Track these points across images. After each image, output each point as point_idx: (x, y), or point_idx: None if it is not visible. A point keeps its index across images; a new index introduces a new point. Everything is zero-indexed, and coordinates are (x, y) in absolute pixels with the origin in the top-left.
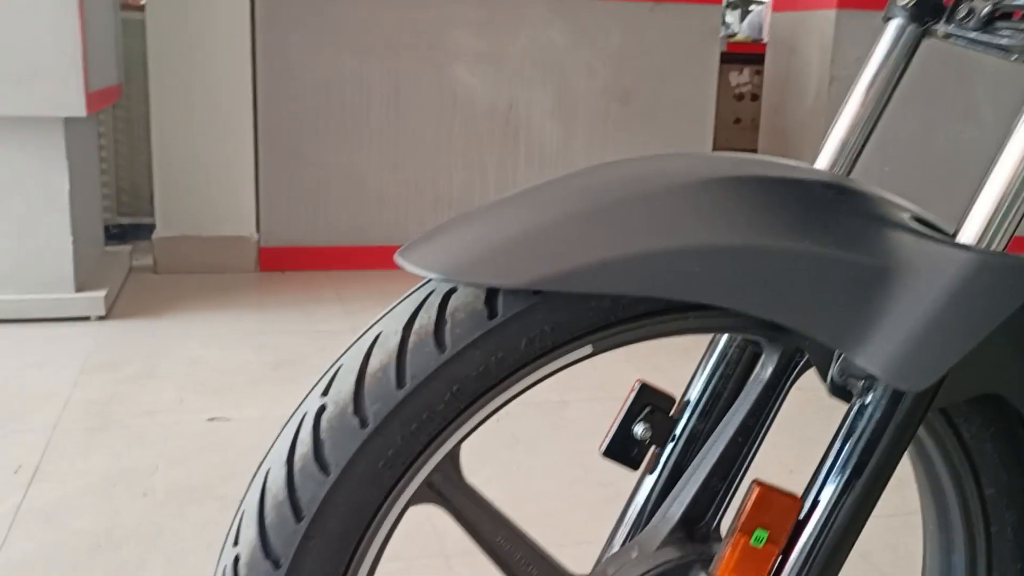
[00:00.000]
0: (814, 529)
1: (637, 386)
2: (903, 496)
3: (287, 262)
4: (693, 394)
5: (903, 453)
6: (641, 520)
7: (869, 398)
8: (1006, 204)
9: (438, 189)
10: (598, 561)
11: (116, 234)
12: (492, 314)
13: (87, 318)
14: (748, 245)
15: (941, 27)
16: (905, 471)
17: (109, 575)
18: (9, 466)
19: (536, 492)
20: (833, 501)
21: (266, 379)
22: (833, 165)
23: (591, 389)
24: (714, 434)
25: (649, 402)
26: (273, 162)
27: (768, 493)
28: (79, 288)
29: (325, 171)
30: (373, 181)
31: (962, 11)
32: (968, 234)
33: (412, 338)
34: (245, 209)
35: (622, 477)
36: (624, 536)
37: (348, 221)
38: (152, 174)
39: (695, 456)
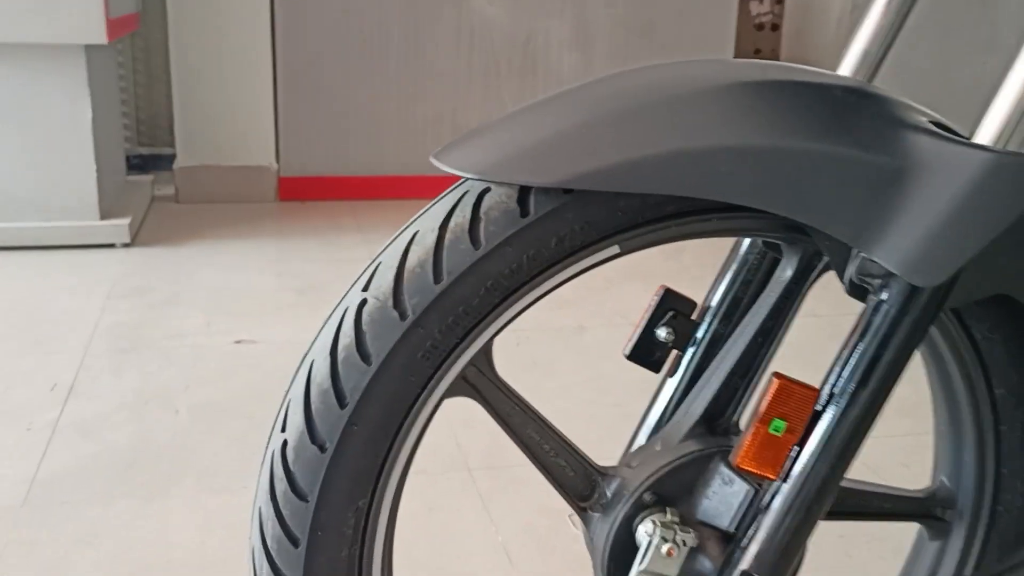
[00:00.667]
0: (831, 420)
1: (661, 291)
2: (916, 418)
3: (306, 192)
4: (714, 299)
5: (916, 348)
6: (663, 420)
7: (885, 295)
8: (1023, 106)
9: (456, 120)
10: (622, 457)
11: (137, 164)
12: (524, 213)
13: (112, 245)
14: (771, 146)
15: None
16: (920, 391)
17: (145, 485)
18: (45, 384)
19: (554, 411)
20: (850, 393)
21: (290, 304)
22: (855, 73)
23: (608, 315)
24: (735, 334)
25: (672, 307)
26: (292, 92)
27: (787, 385)
28: (103, 216)
29: (344, 101)
30: (392, 112)
31: None
32: (985, 135)
33: (448, 236)
34: (264, 139)
35: (635, 399)
36: (647, 435)
37: (367, 152)
38: (172, 104)
39: (716, 358)
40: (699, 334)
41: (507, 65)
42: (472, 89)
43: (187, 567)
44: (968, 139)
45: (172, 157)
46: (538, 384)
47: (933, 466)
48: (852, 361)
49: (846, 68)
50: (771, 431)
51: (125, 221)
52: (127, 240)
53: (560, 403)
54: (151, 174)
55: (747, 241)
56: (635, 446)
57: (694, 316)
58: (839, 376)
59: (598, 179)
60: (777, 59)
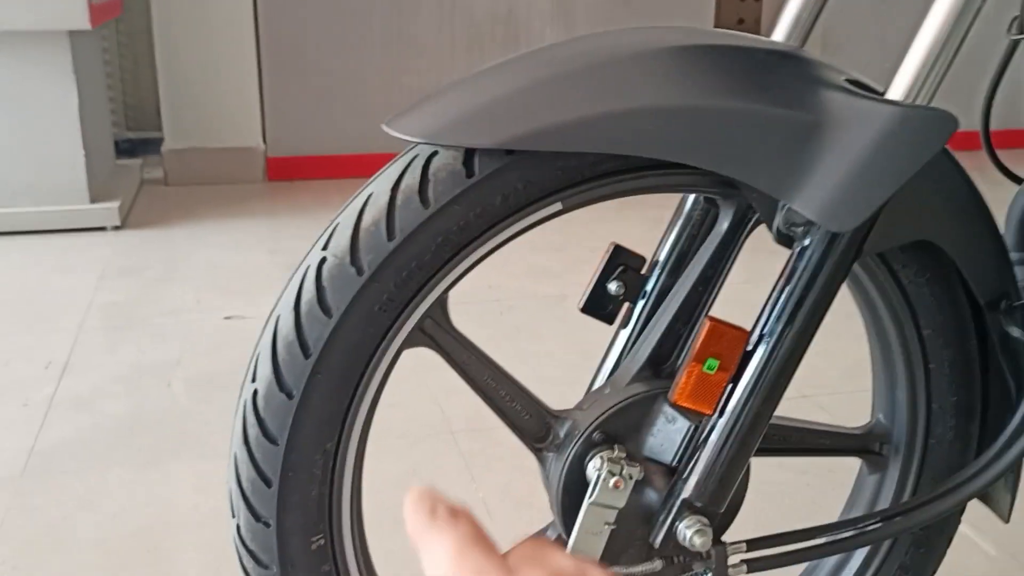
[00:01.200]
0: (761, 358)
1: (611, 247)
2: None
3: (294, 171)
4: (662, 254)
5: (837, 290)
6: (616, 367)
7: (808, 241)
8: (931, 61)
9: None
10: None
11: (126, 149)
12: (470, 173)
13: (103, 228)
14: (697, 105)
15: None
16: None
17: (142, 451)
18: (41, 362)
19: (538, 376)
20: (778, 333)
21: (280, 280)
22: (788, 38)
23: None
24: (677, 284)
25: (622, 262)
26: (277, 72)
27: (718, 326)
28: (93, 199)
29: (330, 80)
30: (378, 89)
31: None
32: (897, 90)
33: (399, 196)
34: (251, 120)
35: None
36: (602, 382)
37: (354, 129)
38: (158, 88)
39: (661, 307)
40: (648, 287)
41: (490, 38)
42: (456, 63)
43: (184, 526)
44: (881, 94)
45: (160, 140)
46: (522, 350)
47: (872, 406)
48: (779, 303)
49: (779, 34)
50: (705, 369)
51: (115, 204)
52: (117, 223)
53: (545, 369)
54: (140, 158)
55: (691, 198)
56: (596, 380)
57: (643, 270)
58: (768, 317)
59: (536, 139)
60: (759, 28)
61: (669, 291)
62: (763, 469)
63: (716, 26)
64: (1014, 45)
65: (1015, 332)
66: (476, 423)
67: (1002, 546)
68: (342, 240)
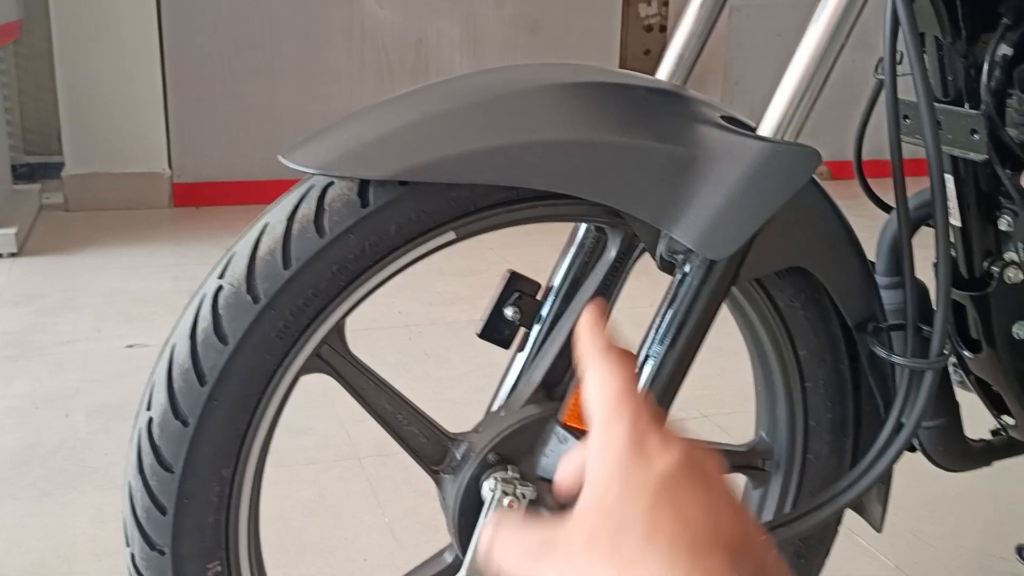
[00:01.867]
0: (646, 380)
1: (507, 274)
2: None
3: (201, 197)
4: (556, 280)
5: (716, 314)
6: (513, 392)
7: (688, 268)
8: (797, 99)
9: None
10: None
11: (24, 173)
12: (365, 203)
13: None
14: (583, 139)
15: None
16: None
17: (37, 484)
18: None
19: (446, 400)
20: (661, 355)
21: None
22: (671, 76)
23: None
24: (569, 309)
25: (518, 288)
26: (183, 96)
27: None
28: None
29: (237, 104)
30: (287, 114)
31: None
32: (767, 127)
33: (295, 226)
34: (156, 144)
35: None
36: (504, 396)
37: (262, 155)
38: (58, 111)
39: (554, 332)
40: (543, 312)
41: (400, 65)
42: (366, 89)
43: (80, 558)
44: (753, 130)
45: (61, 165)
46: (430, 375)
47: (755, 422)
48: (663, 327)
49: (663, 72)
50: None
51: (11, 231)
52: (14, 250)
53: (452, 392)
54: (39, 183)
55: (582, 227)
56: (494, 403)
57: (538, 296)
58: (652, 340)
59: (428, 171)
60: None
61: (562, 316)
62: None
63: (623, 55)
64: (880, 83)
65: (881, 352)
66: (383, 448)
67: (888, 555)
68: (238, 269)
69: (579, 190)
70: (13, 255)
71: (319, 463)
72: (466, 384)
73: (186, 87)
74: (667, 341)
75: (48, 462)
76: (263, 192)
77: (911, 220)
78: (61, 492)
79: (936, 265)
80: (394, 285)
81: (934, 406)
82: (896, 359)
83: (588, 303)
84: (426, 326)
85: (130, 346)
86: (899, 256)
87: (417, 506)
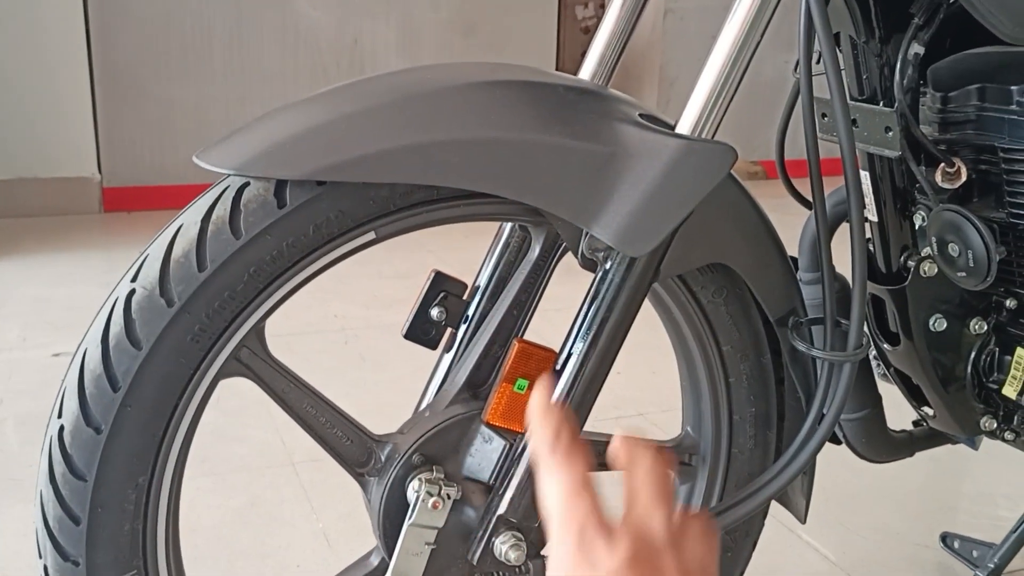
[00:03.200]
0: (568, 376)
1: (432, 274)
2: None
3: (133, 202)
4: (483, 279)
5: (638, 310)
6: (439, 393)
7: (609, 265)
8: (713, 97)
9: None
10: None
11: None
12: (281, 204)
13: None
14: (501, 137)
15: None
16: None
17: None
18: None
19: (380, 403)
20: (583, 352)
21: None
22: (594, 75)
23: None
24: (494, 308)
25: (443, 288)
26: (112, 99)
27: (527, 347)
28: None
29: (168, 108)
30: (219, 117)
31: None
32: (685, 125)
33: (211, 227)
34: (85, 148)
35: None
36: (430, 396)
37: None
38: None
39: (478, 331)
40: (469, 312)
41: (335, 67)
42: (300, 91)
43: (5, 572)
44: (672, 128)
45: None
46: (365, 379)
47: (681, 418)
48: (584, 324)
49: (586, 71)
50: (515, 389)
51: None
52: None
53: (388, 396)
54: None
55: (508, 226)
56: (421, 404)
57: (464, 296)
58: (574, 338)
59: (345, 170)
60: None
61: (488, 315)
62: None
63: (560, 58)
64: (799, 83)
65: (801, 346)
66: (316, 453)
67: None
68: (151, 271)
69: (498, 188)
70: None
71: (252, 470)
72: (403, 387)
73: (115, 90)
74: (589, 338)
75: None
76: (194, 197)
77: (831, 216)
78: None
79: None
80: (330, 288)
81: (857, 399)
82: (815, 352)
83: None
84: (362, 329)
85: (56, 355)
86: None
87: (351, 511)
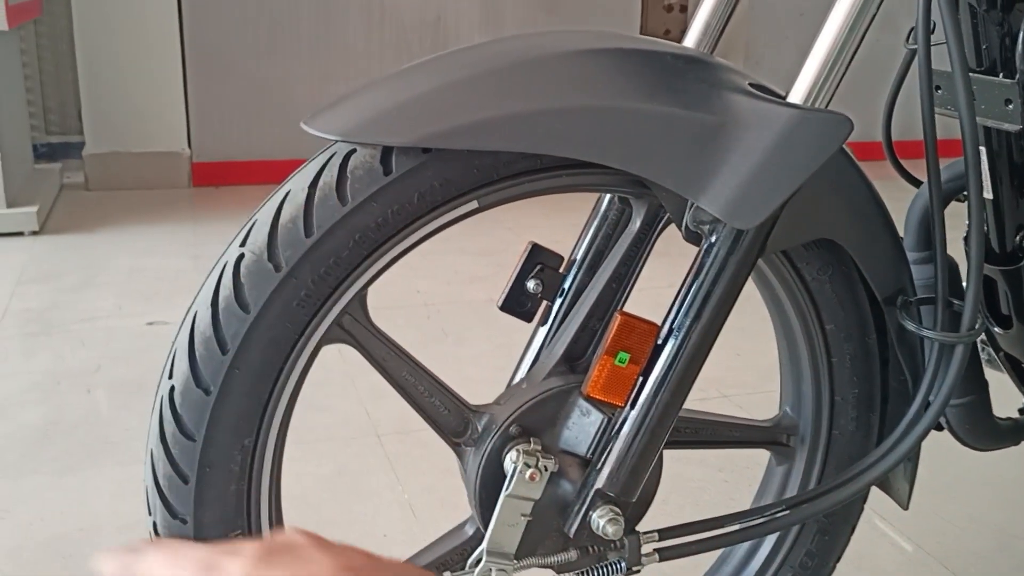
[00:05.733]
0: (670, 351)
1: (529, 246)
2: None
3: (220, 177)
4: (579, 252)
5: (743, 285)
6: (535, 365)
7: (714, 239)
8: (828, 66)
9: None
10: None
11: (45, 153)
12: (387, 171)
13: (20, 234)
14: (608, 106)
15: None
16: None
17: (58, 459)
18: None
19: (463, 377)
20: (686, 327)
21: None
22: (698, 44)
23: None
24: (592, 282)
25: (540, 261)
26: (202, 76)
27: (629, 320)
28: (10, 204)
29: (256, 84)
30: (305, 94)
31: None
32: (796, 94)
33: (318, 193)
34: (175, 124)
35: None
36: (526, 368)
37: (281, 135)
38: (79, 91)
39: (576, 304)
40: (566, 285)
41: (418, 44)
42: (384, 69)
43: (101, 532)
44: (783, 98)
45: (82, 145)
46: (448, 353)
47: (780, 398)
48: (688, 299)
49: (690, 40)
50: (616, 363)
51: (32, 209)
52: (35, 228)
53: (470, 370)
54: (60, 162)
55: (606, 198)
56: (516, 376)
57: (561, 269)
58: (677, 312)
59: (451, 138)
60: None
61: (586, 289)
62: (681, 465)
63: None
64: (911, 54)
65: (910, 326)
66: (401, 425)
67: (912, 540)
68: (260, 236)
69: (604, 158)
70: (35, 233)
71: (338, 440)
72: (485, 362)
73: (205, 67)
74: (692, 314)
75: (69, 437)
76: (282, 172)
77: (944, 193)
78: (82, 467)
79: (967, 239)
80: (413, 264)
81: (963, 384)
82: (926, 333)
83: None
84: (445, 305)
85: (150, 323)
86: (928, 230)
87: (436, 483)
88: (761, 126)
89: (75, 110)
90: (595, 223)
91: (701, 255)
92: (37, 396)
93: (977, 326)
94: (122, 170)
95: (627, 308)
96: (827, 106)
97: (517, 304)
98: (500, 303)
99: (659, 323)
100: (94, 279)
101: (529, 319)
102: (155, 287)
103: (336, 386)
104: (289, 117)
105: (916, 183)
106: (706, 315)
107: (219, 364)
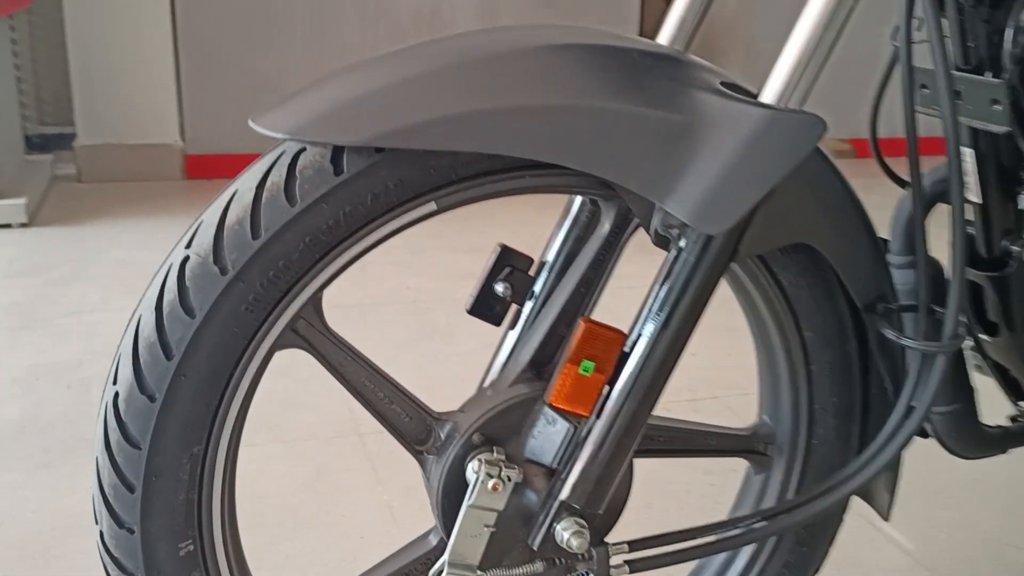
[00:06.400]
0: (637, 360)
1: (498, 248)
2: None
3: (213, 170)
4: (550, 255)
5: (712, 293)
6: (502, 371)
7: (683, 243)
8: (801, 66)
9: None
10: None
11: (38, 144)
12: (338, 171)
13: (8, 225)
14: (570, 104)
15: None
16: None
17: (34, 455)
18: None
19: (451, 376)
20: (655, 335)
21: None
22: (673, 41)
23: None
24: (559, 286)
25: (509, 263)
26: (195, 67)
27: (593, 328)
28: None
29: (250, 77)
30: (298, 86)
31: None
32: (769, 94)
33: (265, 194)
34: (168, 116)
35: None
36: (494, 374)
37: None
38: (70, 82)
39: (543, 309)
40: (536, 288)
41: (414, 38)
42: None
43: (73, 530)
44: (755, 97)
45: (73, 136)
46: (437, 351)
47: (758, 406)
48: (656, 305)
49: (664, 36)
50: (581, 371)
51: (21, 201)
52: (24, 220)
53: (458, 368)
54: (52, 153)
55: (577, 200)
56: (484, 381)
57: (531, 271)
58: (644, 319)
59: (405, 137)
60: None
61: (555, 292)
62: (668, 469)
63: (642, 28)
64: (896, 51)
65: (890, 334)
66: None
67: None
68: (205, 238)
69: (566, 159)
70: (24, 225)
71: (319, 439)
72: (473, 361)
73: (199, 59)
74: (660, 319)
75: (47, 434)
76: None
77: (928, 196)
78: (59, 464)
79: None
80: (403, 261)
81: (949, 391)
82: (906, 342)
83: None
84: (435, 302)
85: None
86: (914, 234)
87: (417, 485)
88: (731, 127)
89: (67, 101)
90: (566, 224)
91: (670, 261)
92: (16, 391)
93: (960, 334)
94: (114, 162)
95: (599, 311)
96: (801, 105)
97: (486, 308)
98: (468, 306)
99: (626, 331)
100: (82, 272)
101: (498, 323)
102: (143, 281)
103: (320, 384)
104: None
105: (903, 184)
106: (674, 322)
107: (164, 370)
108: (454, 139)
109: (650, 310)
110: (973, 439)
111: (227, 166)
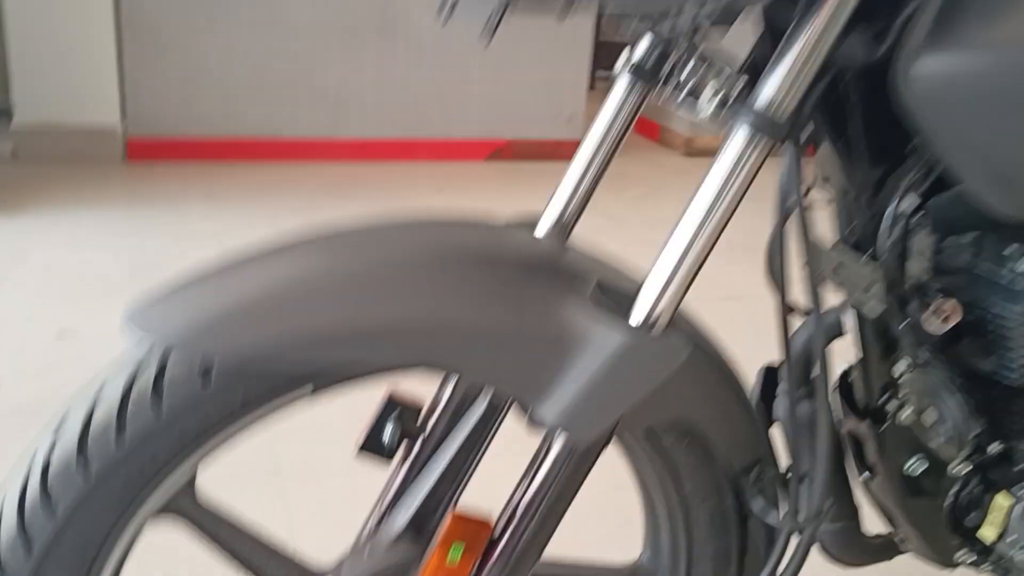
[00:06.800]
0: (503, 546)
1: (386, 396)
2: None
3: (155, 153)
4: (441, 402)
5: (580, 486)
6: (389, 512)
7: (553, 440)
8: (671, 286)
9: (314, 81)
10: (351, 545)
11: None
12: (206, 385)
13: None
14: (446, 317)
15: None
16: None
17: None
18: None
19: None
20: (524, 524)
21: (128, 287)
22: (556, 223)
23: None
24: (442, 447)
25: (397, 409)
26: (137, 47)
27: (460, 519)
28: None
29: (195, 59)
30: (246, 70)
31: (667, 73)
32: (638, 313)
33: (133, 395)
34: (109, 96)
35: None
36: (375, 522)
37: (221, 112)
38: (7, 58)
39: (426, 467)
40: (426, 430)
41: (365, 26)
42: (329, 50)
43: None
44: (628, 304)
45: (11, 113)
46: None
47: (642, 542)
48: (525, 496)
49: (542, 228)
50: (448, 561)
51: None
52: None
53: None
54: None
55: None
56: (364, 534)
57: (419, 421)
58: (514, 509)
59: (280, 353)
60: None
61: (435, 455)
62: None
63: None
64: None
65: (756, 508)
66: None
67: None
68: (71, 434)
69: (446, 367)
70: None
71: None
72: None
73: (141, 38)
74: (529, 508)
75: None
76: (220, 150)
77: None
78: None
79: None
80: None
81: (833, 511)
82: (767, 519)
83: None
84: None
85: (61, 334)
86: (808, 364)
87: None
88: (597, 345)
89: (3, 78)
90: (447, 392)
91: (541, 453)
92: None
93: (822, 514)
94: (52, 142)
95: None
96: (671, 318)
97: (376, 446)
98: (358, 447)
99: (493, 519)
100: (7, 276)
101: (390, 458)
102: (74, 287)
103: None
104: (229, 93)
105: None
106: (540, 513)
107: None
108: (328, 354)
109: (520, 500)
110: (858, 550)
111: (170, 150)
